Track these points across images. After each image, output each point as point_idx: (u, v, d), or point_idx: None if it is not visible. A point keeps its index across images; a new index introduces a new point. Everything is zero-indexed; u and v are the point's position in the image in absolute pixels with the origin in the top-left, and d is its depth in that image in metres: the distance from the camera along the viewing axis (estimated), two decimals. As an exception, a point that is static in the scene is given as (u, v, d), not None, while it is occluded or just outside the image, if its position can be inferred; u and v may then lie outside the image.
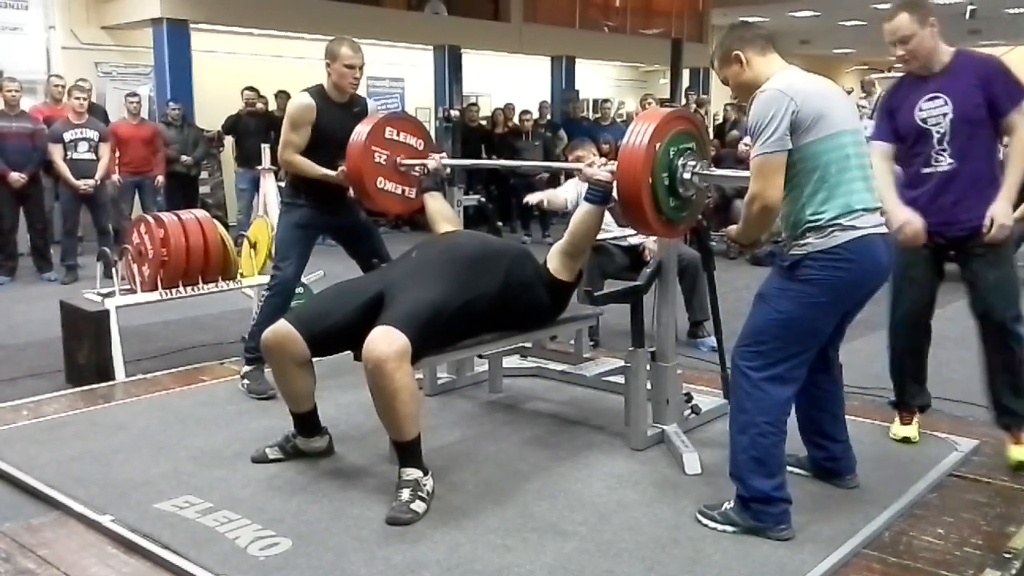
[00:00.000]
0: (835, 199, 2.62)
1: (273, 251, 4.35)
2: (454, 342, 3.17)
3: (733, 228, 2.88)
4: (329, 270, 5.17)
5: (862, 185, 2.67)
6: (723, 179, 3.14)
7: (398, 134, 3.98)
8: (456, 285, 3.08)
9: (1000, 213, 3.11)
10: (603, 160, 3.31)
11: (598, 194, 3.26)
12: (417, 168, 3.94)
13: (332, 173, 4.03)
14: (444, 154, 4.06)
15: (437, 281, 3.07)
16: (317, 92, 4.10)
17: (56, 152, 7.59)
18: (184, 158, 9.41)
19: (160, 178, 8.73)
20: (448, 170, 4.07)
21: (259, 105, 10.09)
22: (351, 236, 4.33)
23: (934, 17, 3.17)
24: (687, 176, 2.97)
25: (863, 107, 12.14)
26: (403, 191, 4.03)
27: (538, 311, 3.39)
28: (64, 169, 7.60)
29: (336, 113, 4.08)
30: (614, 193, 3.11)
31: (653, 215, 2.95)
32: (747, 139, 8.68)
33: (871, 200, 2.69)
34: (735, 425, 2.75)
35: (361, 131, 3.88)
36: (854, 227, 2.62)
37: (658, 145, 2.89)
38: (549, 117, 12.11)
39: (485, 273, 3.18)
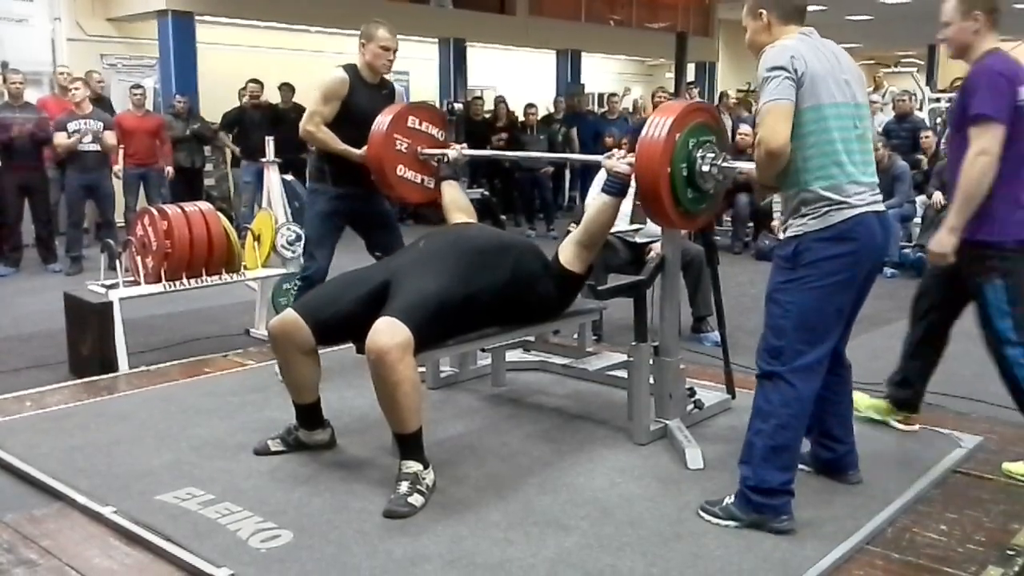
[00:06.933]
0: (823, 169, 2.63)
1: (304, 242, 4.48)
2: (458, 334, 3.16)
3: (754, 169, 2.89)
4: (335, 263, 5.16)
5: (848, 159, 2.65)
6: (744, 170, 3.15)
7: (420, 123, 4.05)
8: (462, 277, 3.07)
9: (934, 241, 3.09)
10: (622, 152, 3.34)
11: (616, 185, 3.28)
12: (437, 157, 4.00)
13: (354, 151, 4.09)
14: (464, 145, 4.15)
15: (443, 272, 3.06)
16: (351, 69, 4.19)
17: (59, 138, 7.57)
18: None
19: (169, 169, 8.72)
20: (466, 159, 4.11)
21: (263, 98, 10.07)
22: (372, 224, 4.39)
23: (982, 13, 3.07)
24: (706, 168, 2.97)
25: (874, 102, 12.14)
26: (422, 180, 4.09)
27: (544, 305, 3.38)
28: (62, 137, 7.49)
29: (367, 93, 4.18)
30: (632, 185, 3.14)
31: (671, 207, 2.95)
32: (743, 128, 8.72)
33: (860, 174, 2.68)
34: (757, 415, 2.73)
35: (383, 120, 3.95)
36: (848, 204, 2.63)
37: (677, 136, 2.89)
38: (563, 113, 12.02)
39: (492, 266, 3.17)
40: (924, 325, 3.43)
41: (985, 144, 2.95)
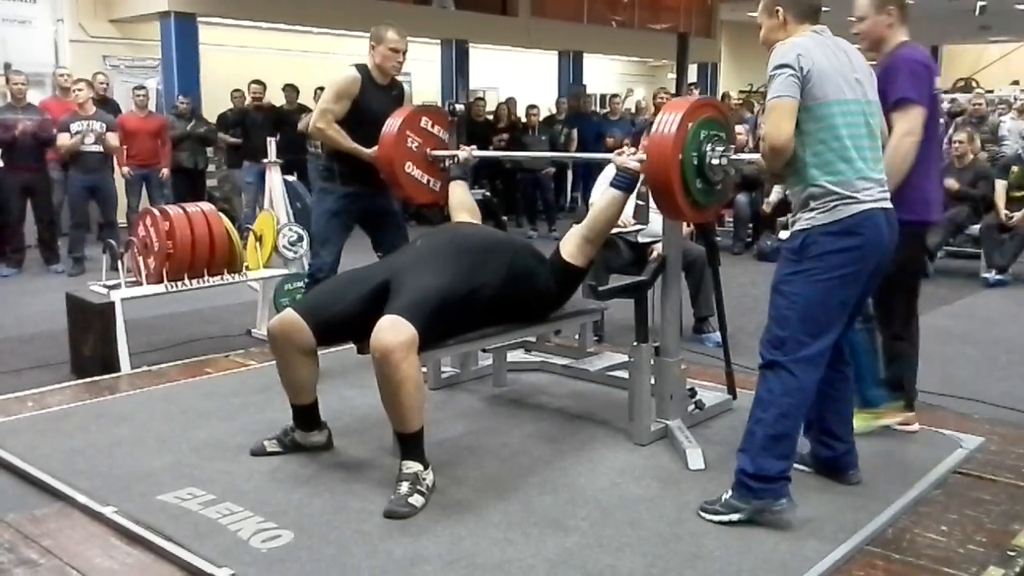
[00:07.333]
0: (830, 164, 2.66)
1: (311, 238, 4.54)
2: (460, 332, 3.17)
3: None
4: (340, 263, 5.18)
5: (857, 155, 2.68)
6: (753, 159, 3.19)
7: (432, 126, 4.12)
8: (462, 274, 3.08)
9: None
10: (633, 150, 3.41)
11: (624, 181, 3.33)
12: (447, 159, 4.06)
13: (364, 150, 4.15)
14: (474, 147, 4.22)
15: (444, 270, 3.07)
16: (362, 69, 4.25)
17: (62, 139, 7.57)
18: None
19: (165, 170, 8.73)
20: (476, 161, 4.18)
21: (265, 99, 10.07)
22: (381, 223, 4.43)
23: (895, 8, 3.22)
24: (715, 161, 2.99)
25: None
26: (428, 181, 4.13)
27: (543, 300, 3.38)
28: (65, 138, 7.50)
29: (377, 94, 4.24)
30: (641, 179, 3.23)
31: (681, 195, 2.97)
32: (737, 128, 8.73)
33: (869, 171, 2.70)
34: (758, 405, 2.75)
35: (394, 121, 4.01)
36: (856, 199, 2.66)
37: (689, 125, 2.92)
38: (565, 114, 12.02)
39: (490, 263, 3.18)
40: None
41: (910, 125, 3.08)
